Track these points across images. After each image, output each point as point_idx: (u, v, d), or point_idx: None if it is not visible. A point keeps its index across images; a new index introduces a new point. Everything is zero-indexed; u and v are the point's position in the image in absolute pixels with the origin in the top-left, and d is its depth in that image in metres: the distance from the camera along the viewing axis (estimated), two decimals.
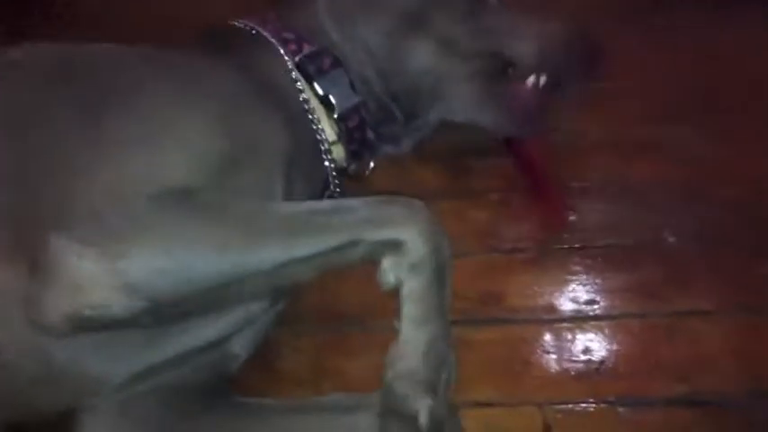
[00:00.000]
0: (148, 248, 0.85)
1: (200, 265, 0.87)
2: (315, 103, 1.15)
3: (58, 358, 0.91)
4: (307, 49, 1.15)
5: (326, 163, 1.17)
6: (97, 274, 0.82)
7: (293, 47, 1.15)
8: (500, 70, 1.22)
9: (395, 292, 0.95)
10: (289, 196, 1.03)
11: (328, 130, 1.16)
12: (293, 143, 1.06)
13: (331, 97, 1.15)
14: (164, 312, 0.90)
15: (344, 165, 1.21)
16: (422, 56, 1.19)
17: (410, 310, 0.94)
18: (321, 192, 1.19)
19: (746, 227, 1.28)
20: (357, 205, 0.97)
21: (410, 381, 0.92)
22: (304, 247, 0.91)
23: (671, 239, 1.29)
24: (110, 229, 0.84)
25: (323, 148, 1.16)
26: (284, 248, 0.91)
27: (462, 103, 1.22)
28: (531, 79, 1.24)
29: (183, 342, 0.98)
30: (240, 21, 1.20)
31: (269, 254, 0.90)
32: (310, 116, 1.15)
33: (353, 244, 0.93)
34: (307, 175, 1.11)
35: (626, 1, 1.59)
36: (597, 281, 1.25)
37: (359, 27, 1.19)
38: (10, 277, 0.87)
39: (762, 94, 1.43)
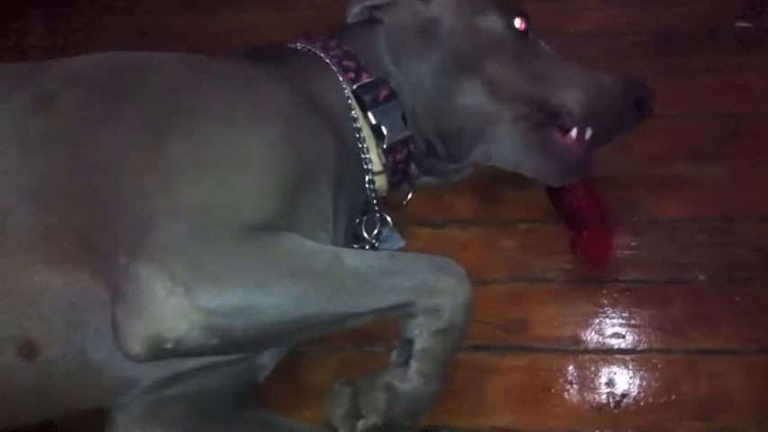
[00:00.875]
0: (234, 290, 0.88)
1: (278, 311, 0.91)
2: (366, 132, 1.19)
3: (95, 359, 0.95)
4: (365, 78, 1.19)
5: (368, 192, 1.21)
6: (183, 311, 0.85)
7: (352, 75, 1.18)
8: (545, 118, 1.22)
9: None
10: (336, 218, 1.08)
11: (375, 160, 1.20)
12: (342, 165, 1.10)
13: (383, 128, 1.18)
14: (228, 349, 0.95)
15: (384, 194, 1.25)
16: (470, 96, 1.21)
17: (424, 366, 0.99)
18: (360, 217, 1.23)
19: None
20: (416, 268, 1.01)
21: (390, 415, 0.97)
22: (368, 305, 0.97)
23: (701, 278, 1.30)
24: (198, 266, 0.87)
25: (367, 177, 1.20)
26: (352, 305, 0.96)
27: (505, 147, 1.23)
28: (576, 131, 1.23)
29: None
30: (298, 42, 1.24)
31: (338, 309, 0.95)
32: (360, 144, 1.18)
33: (406, 305, 0.98)
34: (349, 200, 1.15)
35: (658, 42, 1.61)
36: (623, 315, 1.26)
37: (414, 62, 1.22)
38: (62, 281, 0.92)
39: None
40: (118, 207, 0.93)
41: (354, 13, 1.26)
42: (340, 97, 1.17)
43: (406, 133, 1.21)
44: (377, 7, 1.25)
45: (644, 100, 1.26)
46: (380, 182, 1.22)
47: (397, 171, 1.23)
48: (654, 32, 1.65)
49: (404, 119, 1.20)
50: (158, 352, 0.87)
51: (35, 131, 0.97)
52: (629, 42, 1.64)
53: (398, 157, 1.21)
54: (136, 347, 0.86)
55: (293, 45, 1.23)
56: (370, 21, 1.25)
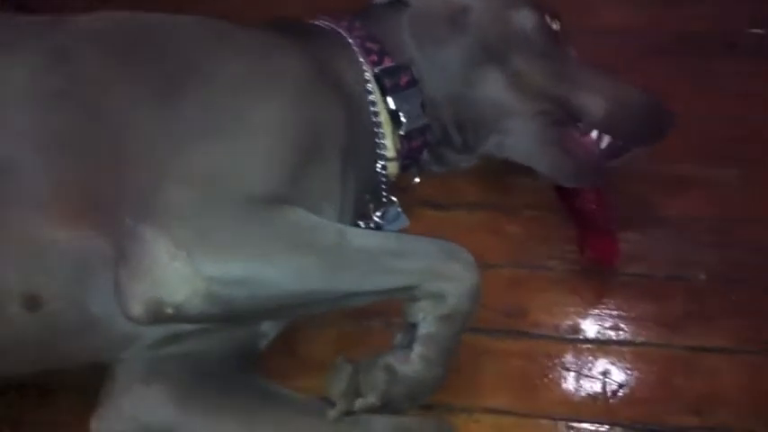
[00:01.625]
0: (238, 261, 0.89)
1: (280, 285, 0.92)
2: (384, 116, 1.18)
3: (97, 314, 0.95)
4: (387, 62, 1.18)
5: (379, 175, 1.21)
6: (186, 277, 0.86)
7: (374, 58, 1.17)
8: (565, 118, 1.21)
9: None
10: (343, 195, 1.07)
11: (389, 146, 1.20)
12: (353, 143, 1.09)
13: (401, 114, 1.18)
14: (228, 319, 0.96)
15: (394, 178, 1.25)
16: (493, 86, 1.20)
17: (428, 351, 0.99)
18: (368, 197, 1.23)
19: None
20: (423, 251, 1.02)
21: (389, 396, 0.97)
22: (372, 285, 0.98)
23: (701, 276, 1.30)
24: (204, 234, 0.88)
25: (380, 163, 1.20)
26: (355, 284, 0.97)
27: (522, 140, 1.22)
28: (594, 135, 1.23)
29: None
30: (322, 20, 1.23)
31: (341, 286, 0.96)
32: (376, 129, 1.18)
33: (410, 288, 0.98)
34: (358, 179, 1.14)
35: (673, 42, 1.61)
36: (624, 307, 1.27)
37: (440, 48, 1.21)
38: (69, 237, 0.92)
39: None
40: (129, 166, 0.93)
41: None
42: (359, 78, 1.16)
43: (424, 121, 1.20)
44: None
45: (663, 122, 1.25)
46: (392, 167, 1.22)
47: (409, 158, 1.23)
48: (670, 32, 1.65)
49: (422, 107, 1.19)
50: (158, 316, 0.87)
51: (49, 87, 0.97)
52: (644, 41, 1.64)
53: (414, 144, 1.21)
54: (136, 309, 0.87)
55: (318, 22, 1.23)
56: (398, 4, 1.24)
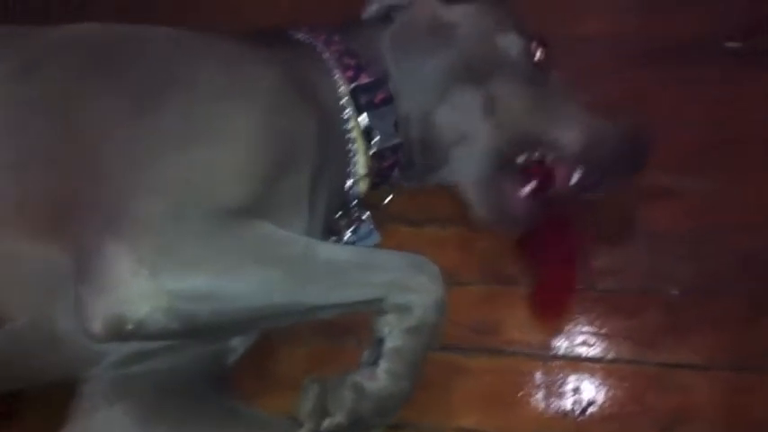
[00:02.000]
0: (201, 275, 0.87)
1: (244, 300, 0.91)
2: (357, 133, 1.17)
3: (61, 331, 0.95)
4: (364, 79, 1.16)
5: (350, 191, 1.20)
6: (147, 293, 0.84)
7: (351, 73, 1.16)
8: (514, 161, 1.19)
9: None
10: (312, 210, 1.07)
11: (361, 162, 1.18)
12: (324, 157, 1.09)
13: (374, 133, 1.16)
14: (191, 335, 0.96)
15: (365, 195, 1.24)
16: (465, 107, 1.18)
17: (394, 365, 0.97)
18: (340, 213, 1.22)
19: (752, 283, 1.29)
20: (390, 264, 1.01)
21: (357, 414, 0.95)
22: (338, 298, 0.97)
23: (674, 291, 1.29)
24: (167, 248, 0.86)
25: (350, 179, 1.19)
26: (322, 297, 0.96)
27: (468, 171, 1.20)
28: (565, 169, 1.20)
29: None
30: (301, 32, 1.21)
31: (307, 300, 0.95)
32: (349, 145, 1.16)
33: (377, 300, 0.98)
34: (329, 194, 1.14)
35: (651, 51, 1.60)
36: (595, 323, 1.26)
37: (420, 62, 1.19)
38: (33, 252, 0.92)
39: None
40: (96, 180, 0.92)
41: (373, 9, 1.24)
42: (334, 94, 1.15)
43: (397, 140, 1.19)
44: (396, 6, 1.23)
45: (639, 156, 1.24)
46: (363, 184, 1.21)
47: (381, 176, 1.22)
48: (654, 40, 1.64)
49: (396, 125, 1.18)
50: (119, 333, 0.86)
51: (20, 98, 0.97)
52: (628, 48, 1.63)
53: (385, 163, 1.20)
54: (96, 327, 0.86)
55: (295, 34, 1.21)
56: (383, 19, 1.23)
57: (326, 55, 1.17)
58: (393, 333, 0.98)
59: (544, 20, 1.30)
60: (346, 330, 1.24)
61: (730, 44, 1.57)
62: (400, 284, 0.99)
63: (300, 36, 1.21)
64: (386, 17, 1.23)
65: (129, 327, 0.85)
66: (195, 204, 0.90)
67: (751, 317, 1.26)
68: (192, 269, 0.87)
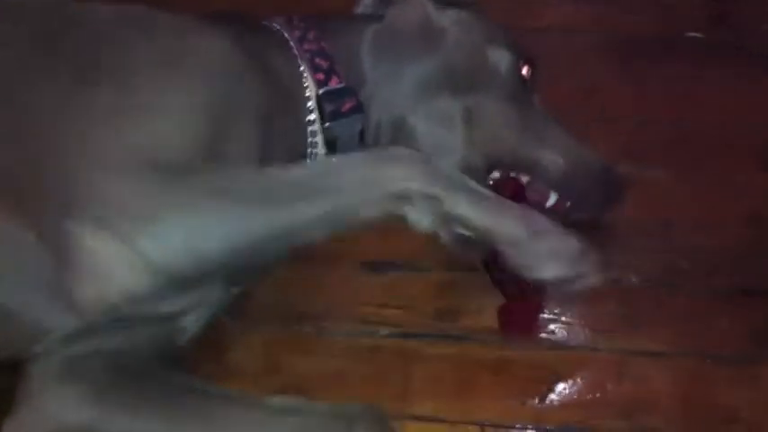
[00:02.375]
0: (165, 226, 0.85)
1: (220, 239, 0.88)
2: (319, 138, 1.14)
3: (6, 304, 0.93)
4: (334, 83, 1.13)
5: None
6: (119, 259, 0.83)
7: (320, 76, 1.13)
8: (504, 169, 1.18)
9: None
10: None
11: None
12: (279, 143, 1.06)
13: (338, 142, 1.13)
14: (186, 283, 0.93)
15: None
16: (442, 117, 1.16)
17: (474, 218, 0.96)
18: None
19: (710, 273, 1.31)
20: (354, 164, 0.97)
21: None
22: (315, 208, 0.92)
23: (634, 279, 1.30)
24: (123, 209, 0.84)
25: None
26: (298, 214, 0.92)
27: None
28: (540, 192, 1.19)
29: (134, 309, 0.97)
30: (275, 22, 1.18)
31: (282, 220, 0.91)
32: (310, 149, 1.13)
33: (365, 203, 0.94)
34: None
35: (614, 43, 1.62)
36: (554, 310, 1.26)
37: (401, 65, 1.17)
38: None
39: (741, 143, 1.48)
40: (46, 155, 0.90)
41: (366, 4, 1.22)
42: (298, 92, 1.12)
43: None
44: (389, 3, 1.21)
45: (613, 193, 1.24)
46: None
47: None
48: (611, 33, 1.66)
49: (362, 133, 1.15)
50: (108, 306, 0.85)
51: None
52: (585, 41, 1.64)
53: None
54: (84, 306, 0.85)
55: (269, 24, 1.18)
56: (369, 17, 1.21)
57: (298, 52, 1.14)
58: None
59: (503, 11, 1.29)
60: (305, 316, 1.23)
61: (693, 34, 1.59)
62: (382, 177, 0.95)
63: (273, 27, 1.18)
64: (374, 15, 1.21)
65: (114, 297, 0.84)
66: (141, 164, 0.87)
67: (709, 308, 1.27)
68: (157, 223, 0.84)
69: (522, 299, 1.15)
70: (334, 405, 1.00)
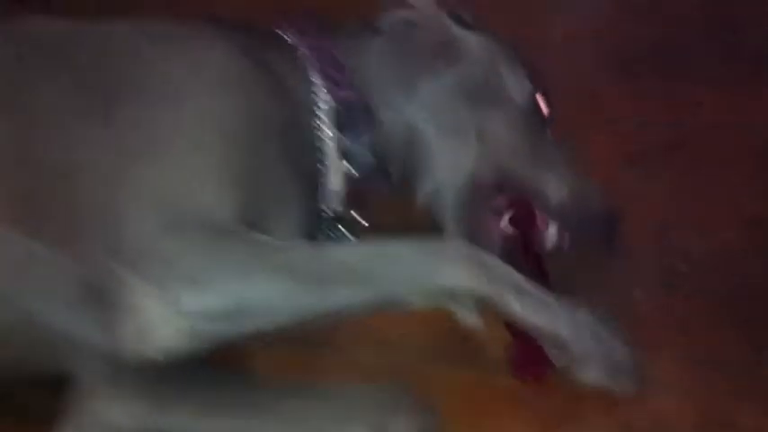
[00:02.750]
0: (217, 293, 0.87)
1: (265, 312, 0.90)
2: (332, 151, 1.14)
3: (53, 324, 0.93)
4: (346, 95, 1.13)
5: (322, 207, 1.17)
6: (164, 321, 0.84)
7: (333, 87, 1.13)
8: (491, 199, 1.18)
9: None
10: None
11: (333, 180, 1.16)
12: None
13: (351, 156, 1.14)
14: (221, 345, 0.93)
15: (335, 213, 1.21)
16: (455, 131, 1.16)
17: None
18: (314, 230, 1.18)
19: (709, 275, 1.32)
20: (406, 254, 0.97)
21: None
22: (366, 294, 0.94)
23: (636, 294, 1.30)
24: (177, 270, 0.86)
25: (323, 196, 1.16)
26: (342, 297, 0.94)
27: (444, 195, 1.18)
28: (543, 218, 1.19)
29: None
30: (288, 30, 1.17)
31: (331, 301, 0.93)
32: (320, 164, 1.14)
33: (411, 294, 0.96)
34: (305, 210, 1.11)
35: (614, 49, 1.62)
36: None
37: (416, 81, 1.17)
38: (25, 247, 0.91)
39: (739, 144, 1.49)
40: (78, 187, 0.91)
41: (388, 22, 1.21)
42: (309, 104, 1.12)
43: (372, 164, 1.16)
44: (410, 22, 1.21)
45: (609, 237, 1.23)
46: (336, 201, 1.18)
47: (353, 201, 1.19)
48: (612, 39, 1.66)
49: (374, 148, 1.15)
50: (143, 357, 0.86)
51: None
52: (586, 47, 1.65)
53: (358, 189, 1.17)
54: (123, 349, 0.86)
55: (282, 33, 1.17)
56: (380, 26, 1.21)
57: (309, 62, 1.14)
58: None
59: (505, 20, 1.30)
60: (320, 337, 1.21)
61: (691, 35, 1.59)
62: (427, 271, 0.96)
63: (286, 36, 1.17)
64: (385, 25, 1.21)
65: (153, 353, 0.86)
66: (187, 217, 0.89)
67: (707, 310, 1.28)
68: (205, 286, 0.86)
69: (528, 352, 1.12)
70: (378, 386, 1.02)
